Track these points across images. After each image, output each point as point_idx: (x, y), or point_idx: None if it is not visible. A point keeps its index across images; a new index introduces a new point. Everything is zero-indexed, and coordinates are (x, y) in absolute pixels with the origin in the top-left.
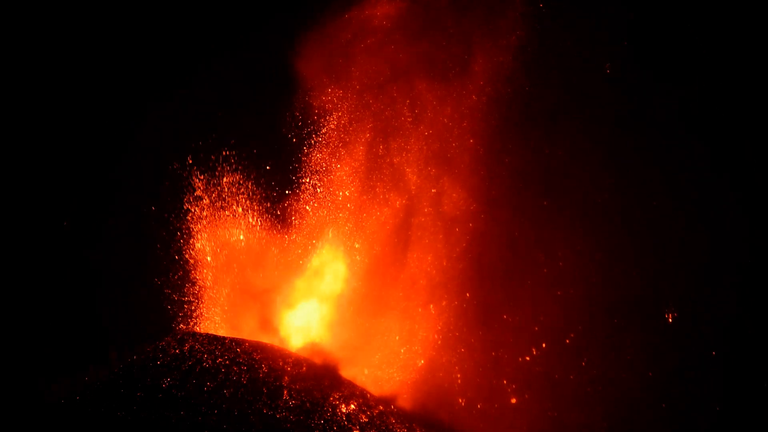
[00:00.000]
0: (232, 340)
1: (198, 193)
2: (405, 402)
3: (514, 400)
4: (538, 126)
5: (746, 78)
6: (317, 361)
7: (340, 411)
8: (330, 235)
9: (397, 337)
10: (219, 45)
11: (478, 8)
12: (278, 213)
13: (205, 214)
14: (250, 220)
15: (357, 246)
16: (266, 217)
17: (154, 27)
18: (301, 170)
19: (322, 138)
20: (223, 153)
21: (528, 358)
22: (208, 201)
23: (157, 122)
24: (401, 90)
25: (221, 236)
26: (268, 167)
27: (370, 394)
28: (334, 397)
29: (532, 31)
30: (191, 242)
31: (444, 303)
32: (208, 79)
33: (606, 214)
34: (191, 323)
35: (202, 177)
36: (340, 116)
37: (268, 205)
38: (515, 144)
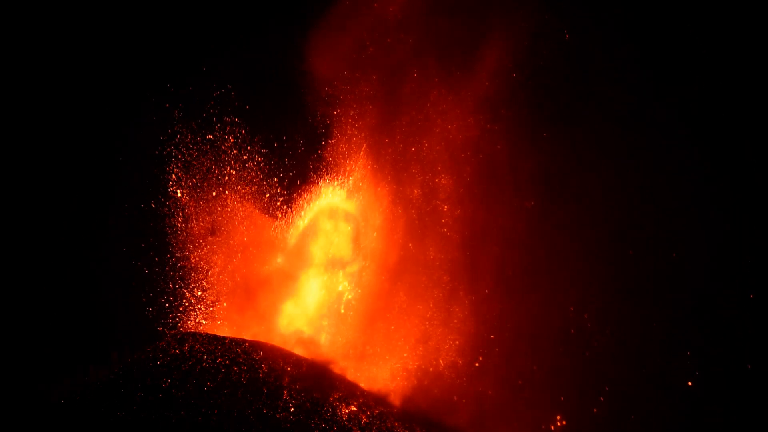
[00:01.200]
0: (232, 340)
1: (199, 191)
2: (405, 403)
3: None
4: (539, 127)
5: (746, 78)
6: (317, 361)
7: (340, 411)
8: (333, 232)
9: (400, 340)
10: (222, 41)
11: (483, 10)
12: (283, 210)
13: (206, 213)
14: (253, 217)
15: (361, 244)
16: (269, 216)
17: (154, 22)
18: (306, 169)
19: (327, 134)
20: (227, 148)
21: (535, 367)
22: (209, 200)
23: (154, 120)
24: (406, 87)
25: (223, 235)
26: (274, 166)
27: (371, 395)
28: (334, 398)
29: (535, 33)
30: (192, 241)
31: (449, 306)
32: (210, 78)
33: (606, 214)
34: (191, 323)
35: (204, 175)
36: (347, 110)
37: (272, 201)
38: (516, 145)
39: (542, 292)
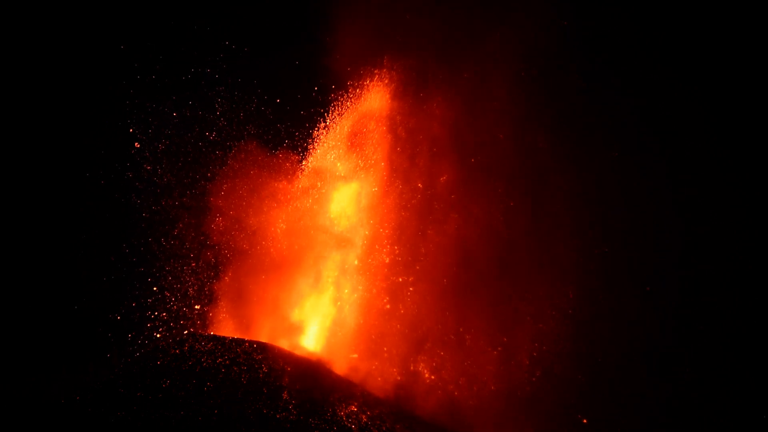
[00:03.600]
0: (232, 340)
1: (198, 189)
2: (405, 403)
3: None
4: (538, 127)
5: (747, 78)
6: (318, 360)
7: (340, 411)
8: (332, 228)
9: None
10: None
11: (489, 12)
12: (283, 203)
13: (205, 210)
14: (253, 213)
15: (362, 241)
16: (268, 212)
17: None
18: (306, 166)
19: (331, 129)
20: (229, 143)
21: (536, 367)
22: (209, 197)
23: (149, 114)
24: (407, 85)
25: (224, 232)
26: (276, 162)
27: (370, 395)
28: (334, 398)
29: (537, 36)
30: (192, 240)
31: (447, 306)
32: (213, 76)
33: (605, 214)
34: (192, 323)
35: (203, 171)
36: (351, 105)
37: (273, 197)
38: (516, 145)
39: (541, 291)
